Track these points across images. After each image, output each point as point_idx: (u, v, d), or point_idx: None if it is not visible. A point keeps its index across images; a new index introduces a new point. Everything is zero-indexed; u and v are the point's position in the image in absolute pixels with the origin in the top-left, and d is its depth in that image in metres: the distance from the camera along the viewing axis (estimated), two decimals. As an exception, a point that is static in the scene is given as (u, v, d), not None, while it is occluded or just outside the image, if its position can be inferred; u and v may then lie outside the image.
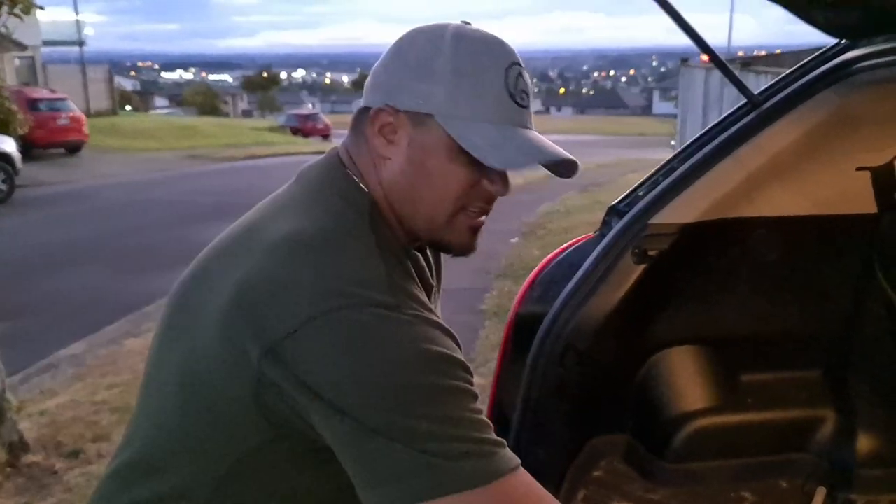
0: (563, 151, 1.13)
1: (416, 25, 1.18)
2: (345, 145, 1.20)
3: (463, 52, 1.09)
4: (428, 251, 1.30)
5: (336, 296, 0.97)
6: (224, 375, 1.02)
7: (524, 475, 1.01)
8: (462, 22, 1.14)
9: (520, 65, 1.13)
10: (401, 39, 1.16)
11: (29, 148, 19.52)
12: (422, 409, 0.96)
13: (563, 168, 1.16)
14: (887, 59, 1.80)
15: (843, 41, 1.94)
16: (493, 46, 1.12)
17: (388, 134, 1.13)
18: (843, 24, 1.84)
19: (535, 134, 1.13)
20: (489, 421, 1.02)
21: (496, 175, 1.14)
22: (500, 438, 1.01)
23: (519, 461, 1.01)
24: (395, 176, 1.14)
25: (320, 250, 1.03)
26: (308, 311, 0.96)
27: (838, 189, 2.00)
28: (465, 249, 1.19)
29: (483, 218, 1.18)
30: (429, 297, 1.18)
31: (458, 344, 1.07)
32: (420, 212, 1.15)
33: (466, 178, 1.11)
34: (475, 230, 1.18)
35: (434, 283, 1.32)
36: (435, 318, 1.06)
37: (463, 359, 1.04)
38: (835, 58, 1.93)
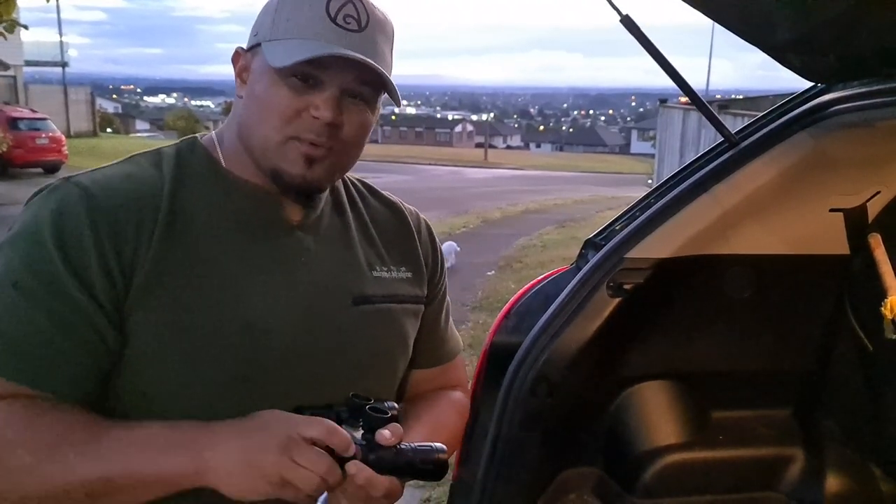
0: (366, 61, 1.10)
1: None
2: None
3: None
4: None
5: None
6: None
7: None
8: None
9: None
10: None
11: (6, 166, 19.35)
12: None
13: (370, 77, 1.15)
14: (862, 102, 1.82)
15: (819, 84, 1.96)
16: None
17: (243, 75, 1.19)
18: (819, 67, 1.87)
19: (342, 49, 1.11)
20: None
21: (320, 101, 1.12)
22: None
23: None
24: (242, 111, 1.19)
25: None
26: None
27: (812, 229, 2.02)
28: (297, 178, 1.17)
29: (320, 150, 1.16)
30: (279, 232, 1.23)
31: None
32: (255, 138, 1.17)
33: (288, 100, 1.12)
34: (310, 159, 1.16)
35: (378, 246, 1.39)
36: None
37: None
38: (811, 100, 1.96)
